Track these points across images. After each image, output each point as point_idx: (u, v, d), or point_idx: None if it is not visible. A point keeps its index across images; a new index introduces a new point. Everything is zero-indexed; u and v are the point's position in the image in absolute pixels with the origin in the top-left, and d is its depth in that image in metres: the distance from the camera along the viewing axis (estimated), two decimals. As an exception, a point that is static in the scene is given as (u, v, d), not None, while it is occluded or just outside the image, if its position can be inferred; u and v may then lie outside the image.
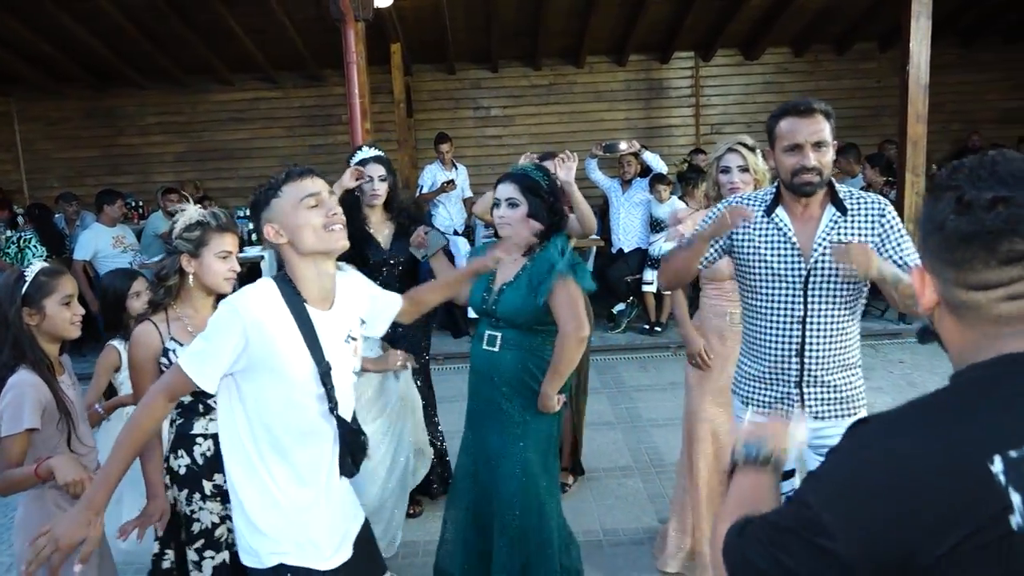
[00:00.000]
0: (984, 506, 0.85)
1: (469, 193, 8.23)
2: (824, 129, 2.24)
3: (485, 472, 2.85)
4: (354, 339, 1.96)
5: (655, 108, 10.63)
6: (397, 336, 3.40)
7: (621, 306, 7.38)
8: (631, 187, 7.38)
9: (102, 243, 6.54)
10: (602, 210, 8.10)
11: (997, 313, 0.97)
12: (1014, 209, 0.93)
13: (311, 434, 1.85)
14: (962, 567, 0.85)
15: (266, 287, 1.85)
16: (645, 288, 7.16)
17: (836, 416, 2.37)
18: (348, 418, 1.93)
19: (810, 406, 2.37)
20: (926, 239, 1.04)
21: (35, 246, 6.75)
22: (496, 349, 2.80)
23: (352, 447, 1.88)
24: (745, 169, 3.08)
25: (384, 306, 2.24)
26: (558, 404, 2.76)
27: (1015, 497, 0.84)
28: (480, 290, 2.87)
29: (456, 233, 7.94)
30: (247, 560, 1.90)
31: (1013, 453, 0.85)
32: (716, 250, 2.49)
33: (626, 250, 7.42)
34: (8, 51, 8.79)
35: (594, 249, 7.19)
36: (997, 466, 0.85)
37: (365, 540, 2.07)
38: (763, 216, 2.38)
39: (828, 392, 2.36)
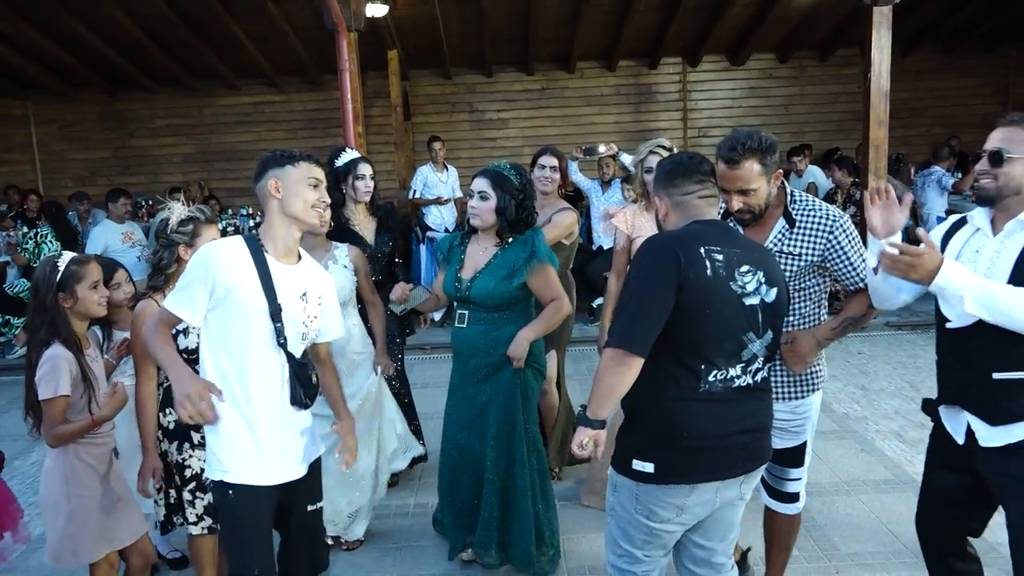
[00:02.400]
0: (701, 262, 2.04)
1: (460, 194, 8.64)
2: (749, 174, 2.42)
3: (465, 436, 3.22)
4: (307, 302, 2.33)
5: (644, 112, 11.00)
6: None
7: (600, 300, 7.76)
8: (610, 188, 7.78)
9: (112, 238, 7.00)
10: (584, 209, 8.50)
11: (694, 204, 2.22)
12: (697, 161, 2.24)
13: (265, 364, 2.23)
14: (696, 282, 2.02)
15: (234, 241, 2.27)
16: (624, 283, 7.51)
17: (785, 399, 2.62)
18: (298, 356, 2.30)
19: (775, 389, 2.57)
20: (658, 184, 2.31)
21: (50, 241, 7.22)
22: (464, 325, 3.18)
23: (300, 379, 2.28)
24: None
25: (326, 322, 2.51)
26: (522, 357, 3.04)
27: (706, 263, 2.04)
28: (451, 279, 3.21)
29: (447, 231, 8.35)
30: (210, 474, 2.30)
31: (705, 248, 2.06)
32: None
33: (605, 247, 7.80)
34: (26, 58, 9.31)
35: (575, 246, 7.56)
36: (703, 251, 2.06)
37: (316, 468, 2.46)
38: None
39: (777, 379, 2.61)
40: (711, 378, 2.09)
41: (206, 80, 10.51)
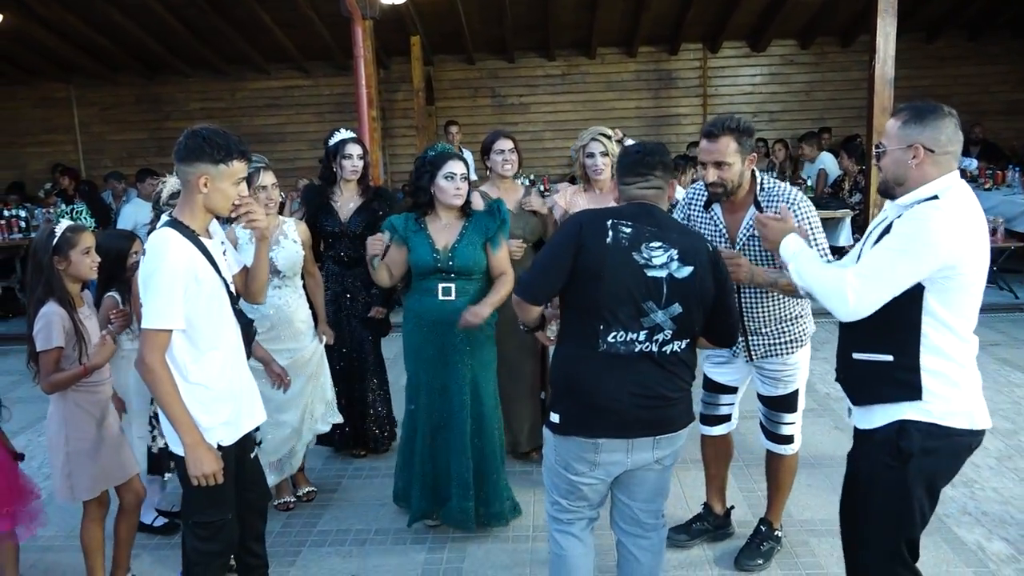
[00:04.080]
0: (603, 232, 2.29)
1: (474, 176, 8.85)
2: (726, 149, 2.75)
3: (440, 407, 3.36)
4: (225, 259, 2.56)
5: (664, 98, 11.10)
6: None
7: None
8: (618, 172, 7.95)
9: (141, 216, 7.36)
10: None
11: (631, 194, 2.44)
12: (642, 156, 2.43)
13: (229, 328, 2.49)
14: (593, 248, 2.28)
15: (173, 236, 2.33)
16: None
17: (775, 355, 3.04)
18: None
19: (755, 350, 3.05)
20: (617, 169, 2.54)
21: (85, 218, 7.66)
22: (452, 298, 3.28)
23: (247, 334, 2.56)
24: (605, 154, 3.84)
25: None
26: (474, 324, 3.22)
27: (610, 232, 2.29)
28: (428, 252, 3.30)
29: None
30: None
31: (613, 221, 2.32)
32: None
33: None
34: (68, 43, 9.81)
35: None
36: (609, 223, 2.31)
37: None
38: (702, 209, 3.03)
39: (766, 339, 3.02)
40: (610, 338, 2.28)
41: (237, 65, 10.90)
